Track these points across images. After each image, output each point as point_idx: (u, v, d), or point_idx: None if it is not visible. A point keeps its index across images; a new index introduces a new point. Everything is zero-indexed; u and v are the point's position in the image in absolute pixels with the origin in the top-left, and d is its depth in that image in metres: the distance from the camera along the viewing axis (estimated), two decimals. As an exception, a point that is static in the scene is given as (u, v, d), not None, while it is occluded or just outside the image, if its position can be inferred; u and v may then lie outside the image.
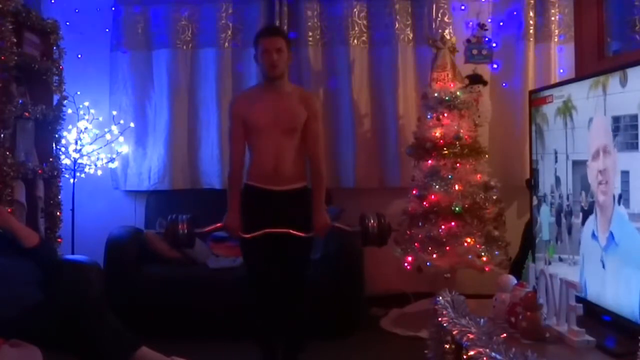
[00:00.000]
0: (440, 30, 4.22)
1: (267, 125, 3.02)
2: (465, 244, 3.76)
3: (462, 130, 3.89)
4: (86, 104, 4.32)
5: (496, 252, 3.80)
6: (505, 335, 1.86)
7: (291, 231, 2.99)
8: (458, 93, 3.96)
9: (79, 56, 4.38)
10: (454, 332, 1.98)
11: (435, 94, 3.97)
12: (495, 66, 4.39)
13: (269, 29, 3.43)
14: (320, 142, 3.15)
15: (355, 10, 4.48)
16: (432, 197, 3.83)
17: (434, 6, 4.42)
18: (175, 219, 3.02)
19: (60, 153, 4.12)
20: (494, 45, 4.29)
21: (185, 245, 3.24)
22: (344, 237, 3.91)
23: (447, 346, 2.23)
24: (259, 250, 3.06)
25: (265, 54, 2.99)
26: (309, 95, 3.24)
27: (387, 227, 3.07)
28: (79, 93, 4.28)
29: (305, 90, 3.49)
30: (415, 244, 3.86)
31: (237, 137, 3.09)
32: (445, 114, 3.93)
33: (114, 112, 4.45)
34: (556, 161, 2.11)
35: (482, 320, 1.97)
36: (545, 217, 2.09)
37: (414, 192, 3.97)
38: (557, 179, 2.08)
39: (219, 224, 3.10)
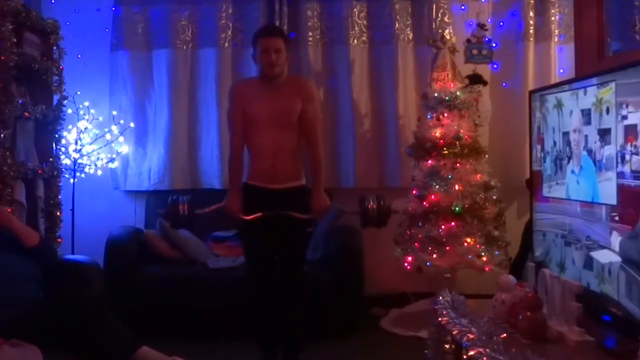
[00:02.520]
0: (440, 30, 4.21)
1: (264, 122, 3.03)
2: (465, 244, 3.76)
3: (462, 130, 3.89)
4: (86, 104, 4.32)
5: (496, 252, 3.81)
6: (505, 335, 1.86)
7: (291, 213, 3.00)
8: (458, 93, 3.96)
9: (79, 56, 4.38)
10: (454, 332, 1.98)
11: (435, 94, 3.97)
12: (495, 66, 4.39)
13: (267, 28, 3.42)
14: (318, 126, 3.14)
15: (355, 10, 4.48)
16: (432, 197, 3.83)
17: (434, 6, 4.43)
18: (176, 200, 3.04)
19: (60, 153, 4.12)
20: (493, 45, 4.28)
21: (186, 226, 3.24)
22: (344, 236, 3.92)
23: (447, 346, 2.23)
24: (259, 236, 3.07)
25: (264, 54, 2.99)
26: (302, 82, 3.25)
27: (387, 208, 3.06)
28: (79, 93, 4.28)
29: (297, 78, 3.43)
30: (415, 244, 3.86)
31: (237, 121, 3.09)
32: (445, 114, 3.93)
33: (114, 112, 4.45)
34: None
35: (482, 320, 1.97)
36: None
37: (414, 192, 3.98)
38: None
39: (219, 204, 3.11)
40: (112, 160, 4.42)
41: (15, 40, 3.56)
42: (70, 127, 4.25)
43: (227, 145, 4.28)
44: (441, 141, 3.88)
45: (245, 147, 3.13)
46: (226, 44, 4.49)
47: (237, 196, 3.08)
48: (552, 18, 4.43)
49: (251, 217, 3.03)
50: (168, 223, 3.52)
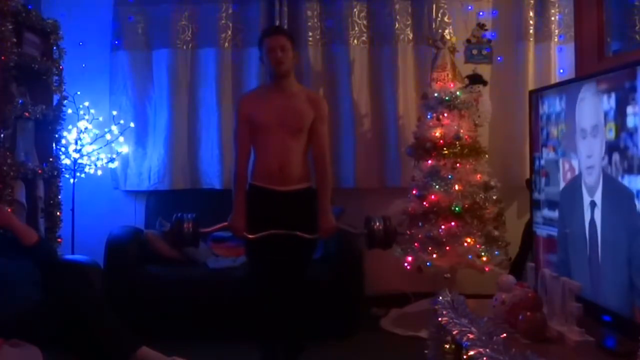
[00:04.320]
0: (440, 30, 4.21)
1: (273, 125, 3.01)
2: (465, 244, 3.76)
3: (462, 130, 3.89)
4: (86, 104, 4.31)
5: (496, 252, 3.81)
6: (505, 335, 1.87)
7: (297, 233, 2.98)
8: (458, 93, 3.96)
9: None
10: (454, 332, 1.99)
11: (435, 94, 3.97)
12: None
13: (272, 28, 3.45)
14: (327, 145, 3.14)
15: (355, 10, 4.48)
16: (432, 197, 3.83)
17: (434, 6, 4.43)
18: (181, 218, 3.00)
19: (60, 153, 4.12)
20: (493, 45, 4.29)
21: (189, 245, 3.21)
22: (344, 237, 3.92)
23: (447, 346, 2.24)
24: (263, 251, 3.05)
25: (271, 52, 2.98)
26: (316, 97, 3.24)
27: (393, 230, 3.06)
28: (79, 93, 4.28)
29: (312, 91, 3.49)
30: (415, 244, 3.86)
31: (243, 138, 3.07)
32: (445, 114, 3.93)
33: (114, 112, 4.45)
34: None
35: (482, 320, 1.97)
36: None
37: (414, 192, 3.97)
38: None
39: (224, 223, 3.08)
40: (112, 160, 4.42)
41: (15, 40, 3.56)
42: (70, 127, 4.25)
43: (227, 145, 4.31)
44: (441, 141, 3.88)
45: (251, 148, 3.12)
46: (226, 44, 4.49)
47: (241, 214, 3.04)
48: (552, 18, 4.42)
49: (255, 236, 3.00)
50: (169, 243, 3.48)
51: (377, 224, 3.02)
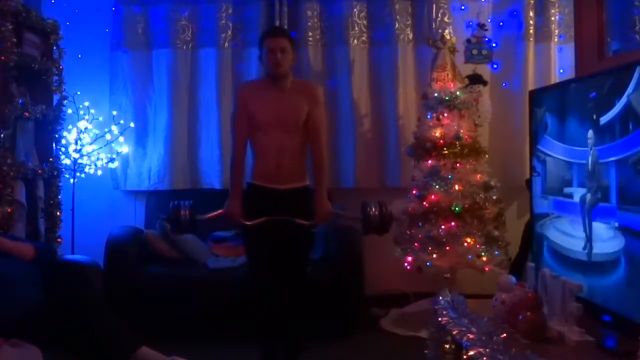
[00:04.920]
0: (440, 30, 4.21)
1: (270, 123, 3.03)
2: (465, 244, 3.76)
3: (462, 130, 3.89)
4: (86, 104, 4.31)
5: (496, 252, 3.80)
6: (505, 335, 1.87)
7: (293, 219, 2.99)
8: (458, 93, 3.96)
9: (79, 56, 4.38)
10: (454, 332, 1.99)
11: (435, 94, 3.97)
12: (495, 66, 4.38)
13: (273, 29, 3.47)
14: (323, 130, 3.15)
15: (355, 10, 4.47)
16: (432, 197, 3.83)
17: (434, 6, 4.42)
18: (178, 205, 3.03)
19: (60, 153, 4.12)
20: (494, 45, 4.28)
21: (187, 231, 3.24)
22: (344, 236, 3.92)
23: (447, 346, 2.24)
24: (261, 244, 3.06)
25: (270, 53, 3.00)
26: (308, 85, 3.27)
27: (389, 215, 3.05)
28: (79, 93, 4.28)
29: (306, 83, 3.49)
30: (415, 244, 3.86)
31: (241, 122, 3.09)
32: (445, 114, 3.93)
33: (114, 112, 4.45)
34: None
35: (482, 320, 1.97)
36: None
37: (414, 192, 3.97)
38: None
39: (220, 211, 3.10)
40: (112, 160, 4.42)
41: (15, 40, 3.56)
42: (70, 127, 4.25)
43: (227, 145, 4.30)
44: (441, 141, 3.88)
45: (248, 147, 3.13)
46: (226, 44, 4.48)
47: (237, 201, 3.06)
48: (552, 18, 4.42)
49: (253, 222, 3.02)
50: (169, 228, 3.53)
51: (373, 209, 3.02)
